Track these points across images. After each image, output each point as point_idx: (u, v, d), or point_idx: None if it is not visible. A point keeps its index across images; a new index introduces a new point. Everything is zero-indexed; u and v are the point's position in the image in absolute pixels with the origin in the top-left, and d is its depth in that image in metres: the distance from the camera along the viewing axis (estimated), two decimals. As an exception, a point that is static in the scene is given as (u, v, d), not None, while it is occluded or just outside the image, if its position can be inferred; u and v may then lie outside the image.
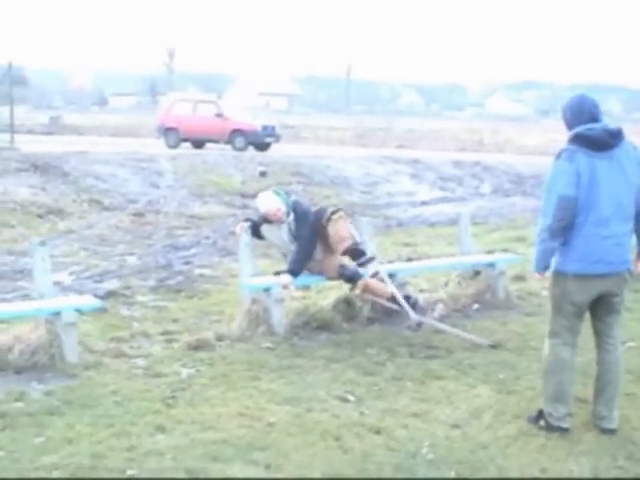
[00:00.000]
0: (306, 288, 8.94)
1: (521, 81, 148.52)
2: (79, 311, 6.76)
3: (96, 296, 8.65)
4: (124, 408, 5.65)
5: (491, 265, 9.05)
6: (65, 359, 6.51)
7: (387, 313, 8.05)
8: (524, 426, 5.49)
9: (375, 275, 7.86)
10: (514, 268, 10.28)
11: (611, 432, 5.40)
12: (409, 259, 10.82)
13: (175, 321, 8.08)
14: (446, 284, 9.30)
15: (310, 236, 7.77)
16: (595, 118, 5.30)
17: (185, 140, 28.03)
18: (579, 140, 5.24)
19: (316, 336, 7.63)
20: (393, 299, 7.78)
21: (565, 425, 5.43)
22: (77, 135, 35.68)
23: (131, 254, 11.27)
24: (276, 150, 26.98)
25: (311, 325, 7.87)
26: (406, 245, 12.50)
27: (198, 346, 7.14)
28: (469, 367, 6.72)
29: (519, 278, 10.13)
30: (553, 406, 5.48)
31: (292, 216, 7.83)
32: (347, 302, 8.20)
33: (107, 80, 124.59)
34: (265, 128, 27.74)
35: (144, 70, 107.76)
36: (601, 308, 5.52)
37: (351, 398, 5.98)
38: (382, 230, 14.33)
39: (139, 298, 8.98)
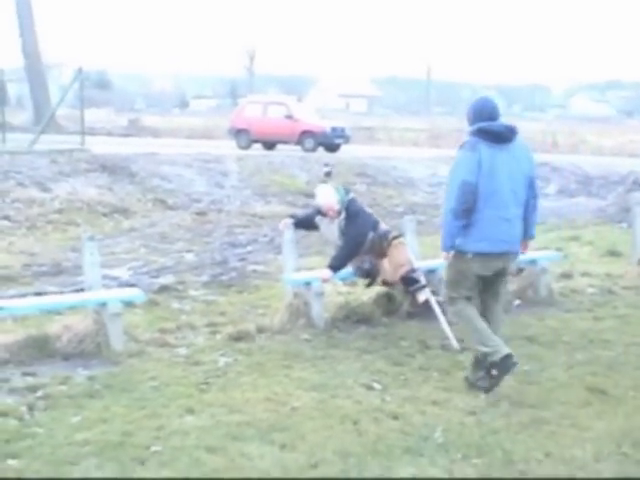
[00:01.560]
0: (353, 283, 9.18)
1: (605, 81, 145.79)
2: (124, 302, 7.14)
3: (150, 290, 9.14)
4: (160, 392, 6.01)
5: (533, 262, 9.17)
6: (110, 347, 6.90)
7: (428, 308, 8.23)
8: (538, 414, 5.67)
9: (425, 302, 7.97)
10: (562, 266, 10.40)
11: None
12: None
13: (222, 314, 8.42)
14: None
15: (357, 236, 7.94)
16: (493, 117, 6.05)
17: (256, 141, 28.52)
18: (481, 133, 5.97)
19: (355, 329, 7.89)
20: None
21: (505, 351, 6.02)
22: (153, 137, 36.49)
23: (189, 251, 11.68)
24: (346, 151, 27.25)
25: (351, 319, 8.14)
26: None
27: (239, 337, 7.47)
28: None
29: (566, 276, 10.26)
30: (487, 345, 6.08)
31: (344, 214, 8.03)
32: (388, 297, 8.44)
33: (189, 83, 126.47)
34: (334, 129, 28.05)
35: (225, 72, 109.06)
36: (494, 282, 6.30)
37: (377, 386, 6.24)
38: (438, 230, 14.42)
39: (191, 292, 9.35)
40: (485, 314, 6.31)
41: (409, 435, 5.29)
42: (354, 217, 8.01)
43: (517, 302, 8.98)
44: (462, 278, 6.20)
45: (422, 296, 7.99)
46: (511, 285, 9.17)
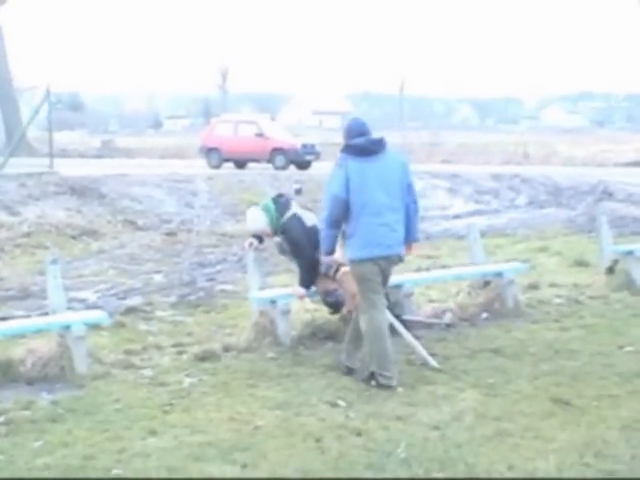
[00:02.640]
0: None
1: (576, 92, 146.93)
2: (88, 325, 7.10)
3: (117, 312, 9.10)
4: (123, 414, 5.98)
5: (499, 274, 9.21)
6: (75, 370, 6.86)
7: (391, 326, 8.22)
8: (502, 427, 5.68)
9: None
10: (529, 277, 10.45)
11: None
12: (426, 269, 11.00)
13: (189, 334, 8.39)
14: (457, 294, 9.49)
15: (308, 255, 7.61)
16: (362, 134, 6.63)
17: (227, 160, 28.55)
18: (348, 149, 6.59)
19: (321, 346, 7.87)
20: None
21: (393, 384, 6.51)
22: (127, 158, 36.44)
23: (158, 272, 11.64)
24: (317, 168, 27.29)
25: (317, 336, 8.12)
26: (429, 257, 12.67)
27: (205, 357, 7.44)
28: (462, 372, 6.92)
29: (533, 287, 10.31)
30: (382, 370, 6.55)
31: (280, 235, 7.79)
32: (343, 315, 8.42)
33: (162, 102, 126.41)
34: (305, 146, 28.16)
35: (198, 91, 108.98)
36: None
37: (341, 403, 6.23)
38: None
39: (158, 313, 9.31)
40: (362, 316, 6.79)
41: (372, 451, 5.28)
42: (296, 242, 7.69)
43: (484, 315, 8.99)
44: (365, 284, 6.72)
45: None
46: (478, 298, 9.26)
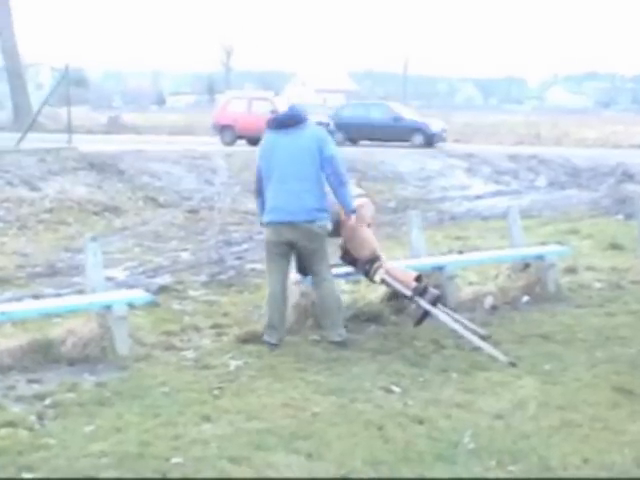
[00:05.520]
0: (356, 282, 8.95)
1: (581, 73, 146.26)
2: (130, 305, 6.90)
3: (149, 291, 8.87)
4: (172, 399, 5.77)
5: (540, 257, 9.00)
6: (116, 351, 6.66)
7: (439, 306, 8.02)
8: (568, 417, 5.47)
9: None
10: (566, 260, 10.22)
11: (341, 344, 6.98)
12: (459, 252, 10.78)
13: (225, 315, 8.19)
14: (496, 277, 9.28)
15: None
16: (291, 111, 7.04)
17: (241, 137, 28.23)
18: (269, 123, 7.11)
19: (364, 329, 7.66)
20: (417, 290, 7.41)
21: (273, 341, 6.98)
22: (135, 134, 36.12)
23: (184, 250, 11.44)
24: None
25: (360, 318, 7.92)
26: (458, 239, 12.48)
27: (247, 339, 7.23)
28: (516, 358, 6.70)
29: (570, 270, 10.07)
30: (268, 330, 7.04)
31: None
32: (396, 296, 8.23)
33: (166, 79, 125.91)
34: (320, 125, 27.76)
35: (202, 69, 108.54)
36: (301, 255, 7.14)
37: (396, 389, 6.03)
38: (435, 224, 14.35)
39: (191, 293, 9.11)
40: (316, 295, 7.27)
41: (437, 441, 5.08)
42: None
43: (525, 298, 8.78)
44: (267, 247, 7.19)
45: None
46: (518, 281, 9.05)
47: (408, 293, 7.36)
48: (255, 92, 40.77)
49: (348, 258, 7.64)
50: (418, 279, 7.47)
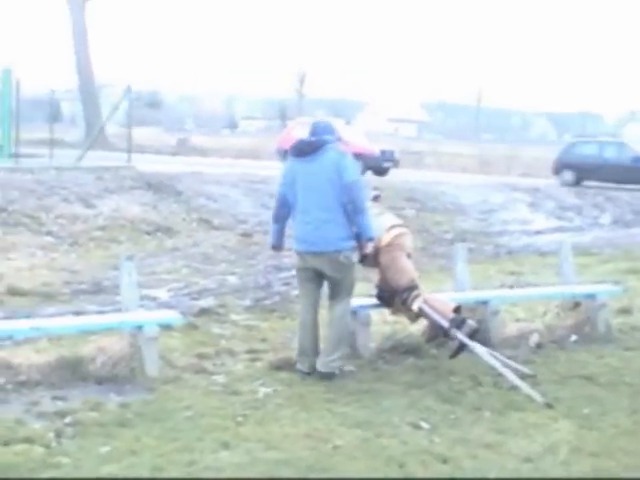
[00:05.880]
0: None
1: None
2: (161, 325, 6.83)
3: (190, 313, 8.83)
4: (194, 423, 5.67)
5: (591, 296, 8.71)
6: (145, 372, 6.58)
7: (478, 341, 7.80)
8: (601, 464, 5.23)
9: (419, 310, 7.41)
10: (620, 300, 9.89)
11: (326, 376, 6.79)
12: (510, 287, 10.52)
13: (263, 340, 8.07)
14: (544, 314, 9.02)
15: None
16: (313, 134, 6.97)
17: (304, 164, 28.21)
18: (290, 150, 7.07)
19: (401, 361, 7.47)
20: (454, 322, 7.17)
21: (305, 370, 6.90)
22: (201, 156, 36.43)
23: (232, 273, 11.37)
24: (395, 175, 26.86)
25: (398, 350, 7.74)
26: (512, 273, 12.20)
27: (280, 366, 7.11)
28: (554, 400, 6.45)
29: (624, 311, 9.74)
30: (299, 357, 6.97)
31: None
32: (435, 336, 8.01)
33: (239, 104, 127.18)
34: (384, 153, 27.65)
35: (275, 94, 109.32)
36: (327, 283, 6.99)
37: (425, 425, 5.83)
38: (490, 258, 14.11)
39: (232, 317, 9.02)
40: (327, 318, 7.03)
41: (459, 482, 4.88)
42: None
43: (574, 338, 8.50)
44: (297, 274, 7.17)
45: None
46: (567, 319, 8.78)
47: (445, 324, 7.15)
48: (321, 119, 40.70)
49: (385, 293, 7.46)
50: (457, 310, 7.26)
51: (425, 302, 7.23)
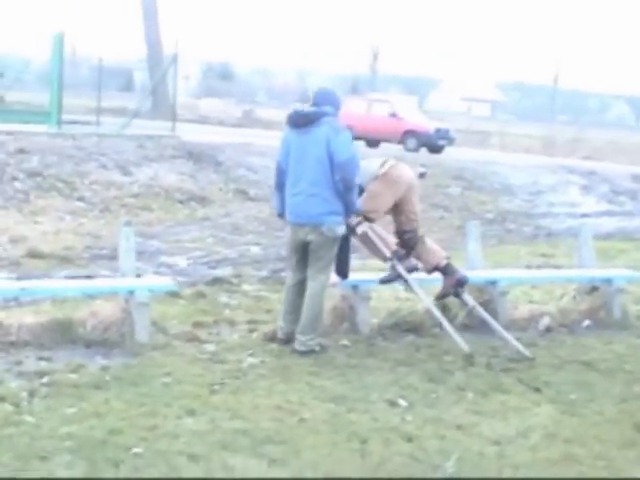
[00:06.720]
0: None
1: None
2: (152, 291, 6.84)
3: (202, 282, 8.88)
4: (168, 390, 5.68)
5: (608, 281, 8.48)
6: (135, 338, 6.61)
7: (485, 322, 7.67)
8: (571, 451, 5.08)
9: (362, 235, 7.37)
10: (641, 286, 9.63)
11: (303, 354, 6.67)
12: (527, 267, 10.31)
13: (268, 311, 8.05)
14: (561, 297, 8.82)
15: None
16: (313, 104, 6.78)
17: (359, 138, 28.04)
18: (286, 119, 6.86)
19: (401, 338, 7.40)
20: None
21: (280, 336, 6.92)
22: (265, 129, 36.45)
23: (257, 244, 11.39)
24: (449, 154, 26.54)
25: (400, 327, 7.65)
26: (543, 255, 11.97)
27: (274, 337, 7.07)
28: (544, 384, 6.30)
29: (646, 298, 9.47)
30: (280, 322, 7.00)
31: None
32: (443, 307, 7.91)
33: (311, 78, 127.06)
34: (438, 130, 27.33)
35: (348, 70, 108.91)
36: (308, 253, 6.85)
37: (402, 403, 5.74)
38: (527, 239, 13.90)
39: (244, 287, 9.03)
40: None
41: (417, 461, 4.80)
42: None
43: (587, 323, 8.29)
44: (286, 243, 7.21)
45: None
46: (582, 304, 8.57)
47: (387, 253, 7.25)
48: (396, 96, 40.49)
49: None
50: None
51: (371, 228, 7.24)
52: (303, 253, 6.94)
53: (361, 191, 7.13)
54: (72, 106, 27.51)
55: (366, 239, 7.29)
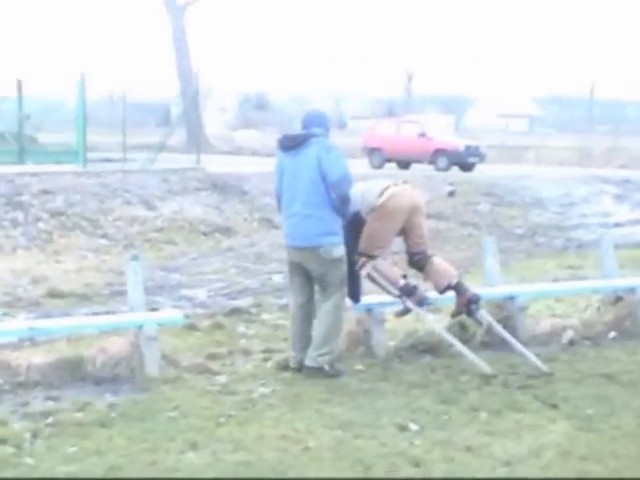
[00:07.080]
0: (437, 310, 8.45)
1: None
2: (161, 325, 6.80)
3: (221, 313, 8.82)
4: (174, 424, 5.60)
5: (631, 290, 8.27)
6: (145, 372, 6.56)
7: (504, 339, 7.50)
8: (586, 468, 4.91)
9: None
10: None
11: (314, 370, 6.66)
12: (556, 280, 10.12)
13: (285, 339, 7.89)
14: (585, 309, 8.63)
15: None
16: (302, 126, 6.85)
17: (389, 160, 27.99)
18: (277, 143, 6.93)
19: (417, 360, 7.26)
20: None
21: (292, 365, 6.85)
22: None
23: (279, 272, 11.30)
24: (481, 171, 26.31)
25: (417, 348, 7.52)
26: (570, 267, 11.75)
27: (287, 365, 6.98)
28: (561, 400, 6.12)
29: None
30: (290, 353, 6.92)
31: None
32: (461, 326, 7.77)
33: (348, 103, 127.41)
34: (468, 148, 27.14)
35: (383, 93, 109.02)
36: (312, 281, 6.87)
37: (413, 427, 5.61)
38: (556, 252, 13.69)
39: (263, 316, 8.96)
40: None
41: (422, 486, 4.67)
42: None
43: (612, 334, 8.08)
44: (287, 267, 7.13)
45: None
46: (606, 315, 8.37)
47: (395, 292, 7.16)
48: (429, 116, 40.38)
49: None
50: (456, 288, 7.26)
51: (374, 268, 7.11)
52: (304, 276, 6.90)
53: (362, 221, 7.07)
54: (106, 144, 27.80)
55: (372, 279, 7.23)
